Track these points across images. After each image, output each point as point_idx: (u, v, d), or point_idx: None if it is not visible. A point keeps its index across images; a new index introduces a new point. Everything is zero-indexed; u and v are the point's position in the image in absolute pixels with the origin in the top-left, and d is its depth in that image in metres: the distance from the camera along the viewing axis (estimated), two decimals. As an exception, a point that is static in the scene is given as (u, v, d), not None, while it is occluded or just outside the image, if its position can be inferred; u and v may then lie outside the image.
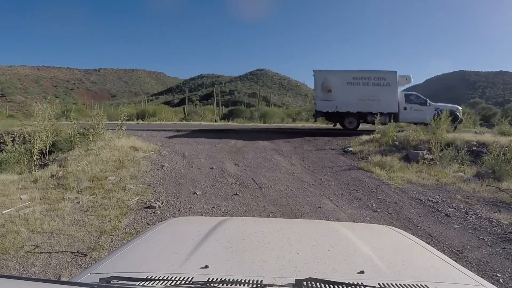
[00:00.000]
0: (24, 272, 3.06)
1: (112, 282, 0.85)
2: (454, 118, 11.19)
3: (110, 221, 4.32)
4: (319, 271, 0.96)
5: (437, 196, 5.70)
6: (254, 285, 0.84)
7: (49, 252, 3.43)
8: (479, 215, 4.80)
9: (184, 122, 20.23)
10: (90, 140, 8.40)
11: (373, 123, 12.16)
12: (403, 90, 13.95)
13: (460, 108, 13.68)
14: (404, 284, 0.89)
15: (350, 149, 9.58)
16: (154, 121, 19.73)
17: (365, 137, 10.54)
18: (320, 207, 5.10)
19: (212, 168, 7.26)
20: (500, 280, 3.05)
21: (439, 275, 1.01)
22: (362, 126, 13.85)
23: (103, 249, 3.52)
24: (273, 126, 17.05)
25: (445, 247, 3.75)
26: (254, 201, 5.32)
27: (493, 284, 1.03)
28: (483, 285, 0.94)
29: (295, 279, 0.86)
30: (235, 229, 1.40)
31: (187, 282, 0.87)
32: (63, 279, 2.89)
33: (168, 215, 4.64)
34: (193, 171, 7.01)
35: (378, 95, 12.83)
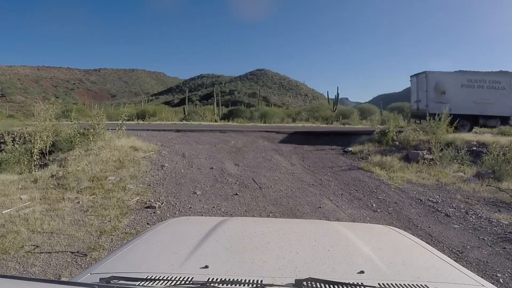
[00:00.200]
0: (24, 272, 3.06)
1: (112, 282, 0.85)
2: None
3: (110, 221, 4.32)
4: (319, 271, 0.96)
5: (437, 196, 5.70)
6: (254, 285, 0.84)
7: (49, 252, 3.43)
8: (479, 215, 4.80)
9: (184, 122, 20.23)
10: (90, 140, 8.41)
11: (484, 126, 12.01)
12: None
13: None
14: (404, 284, 0.89)
15: (350, 149, 9.58)
16: (154, 121, 19.72)
17: (365, 137, 10.55)
18: (320, 207, 5.10)
19: (212, 168, 7.27)
20: (500, 280, 3.05)
21: (439, 275, 1.01)
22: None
23: (103, 249, 3.52)
24: (273, 126, 17.04)
25: (445, 247, 3.75)
26: (254, 201, 5.32)
27: (493, 284, 1.03)
28: (483, 285, 0.94)
29: (295, 279, 0.87)
30: (235, 229, 1.40)
31: (187, 282, 0.87)
32: (63, 279, 2.89)
33: (168, 215, 4.64)
34: (193, 171, 7.01)
35: (492, 98, 12.60)
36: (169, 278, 0.89)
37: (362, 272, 0.96)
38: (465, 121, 12.90)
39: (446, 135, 9.04)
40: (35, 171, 6.69)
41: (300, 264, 1.00)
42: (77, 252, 3.45)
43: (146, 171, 6.83)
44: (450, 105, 12.76)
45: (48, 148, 7.85)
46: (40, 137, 7.57)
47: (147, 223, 4.31)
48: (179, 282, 0.87)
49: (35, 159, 7.25)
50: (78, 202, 4.99)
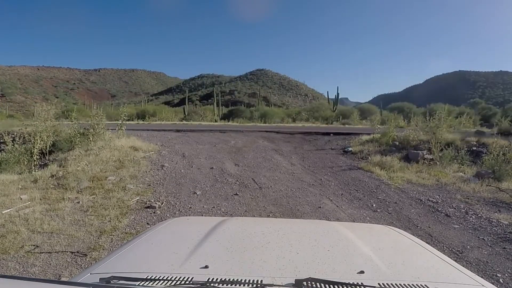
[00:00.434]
0: (24, 272, 3.06)
1: (112, 282, 0.85)
2: None
3: (110, 221, 4.32)
4: (319, 271, 0.96)
5: (437, 196, 5.70)
6: (254, 285, 0.84)
7: (49, 252, 3.43)
8: (479, 215, 4.80)
9: (184, 122, 20.23)
10: (90, 140, 8.41)
11: None
12: None
13: None
14: (404, 284, 0.89)
15: (350, 149, 9.58)
16: (154, 121, 19.73)
17: (365, 137, 10.55)
18: (320, 207, 5.09)
19: (212, 168, 7.27)
20: (500, 280, 3.05)
21: (439, 275, 1.01)
22: (362, 126, 13.75)
23: (103, 249, 3.52)
24: (273, 126, 17.04)
25: (445, 247, 3.75)
26: (254, 201, 5.32)
27: (493, 284, 1.03)
28: (483, 285, 0.94)
29: (295, 279, 0.87)
30: (235, 229, 1.40)
31: (187, 282, 0.87)
32: (63, 279, 2.89)
33: (168, 215, 4.64)
34: (193, 171, 7.01)
35: None
36: (169, 278, 0.89)
37: (362, 272, 0.96)
38: None
39: (446, 135, 9.04)
40: (35, 171, 6.69)
41: (300, 264, 1.00)
42: (77, 252, 3.45)
43: (146, 171, 6.83)
44: None
45: (48, 148, 7.85)
46: (40, 137, 7.57)
47: (147, 223, 4.31)
48: (179, 282, 0.87)
49: (35, 159, 7.25)
50: (78, 202, 4.99)
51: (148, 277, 0.89)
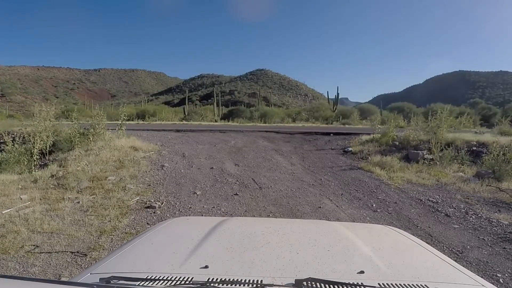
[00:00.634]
0: (24, 272, 3.06)
1: (112, 282, 0.85)
2: None
3: (110, 221, 4.32)
4: (319, 271, 0.96)
5: (437, 196, 5.70)
6: (254, 285, 0.84)
7: (49, 252, 3.43)
8: (479, 215, 4.80)
9: (184, 122, 20.24)
10: (90, 140, 8.41)
11: None
12: None
13: None
14: (404, 284, 0.89)
15: (350, 149, 9.58)
16: (154, 121, 19.74)
17: (365, 137, 10.54)
18: (320, 207, 5.09)
19: (212, 168, 7.27)
20: (500, 280, 3.05)
21: (439, 275, 1.01)
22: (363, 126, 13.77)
23: (103, 249, 3.52)
24: (273, 126, 17.05)
25: (445, 247, 3.75)
26: (254, 201, 5.32)
27: (493, 284, 1.03)
28: (483, 285, 0.94)
29: (295, 279, 0.87)
30: (235, 229, 1.40)
31: (187, 282, 0.87)
32: (63, 279, 2.89)
33: (168, 215, 4.64)
34: (193, 171, 7.01)
35: None
36: (169, 278, 0.89)
37: (362, 272, 0.96)
38: None
39: (446, 135, 9.03)
40: (35, 171, 6.69)
41: (300, 264, 1.00)
42: (77, 252, 3.45)
43: (146, 171, 6.83)
44: None
45: (48, 148, 7.85)
46: (40, 137, 7.57)
47: (147, 223, 4.31)
48: (179, 282, 0.87)
49: (35, 159, 7.25)
50: (78, 202, 4.99)
51: (148, 277, 0.89)
